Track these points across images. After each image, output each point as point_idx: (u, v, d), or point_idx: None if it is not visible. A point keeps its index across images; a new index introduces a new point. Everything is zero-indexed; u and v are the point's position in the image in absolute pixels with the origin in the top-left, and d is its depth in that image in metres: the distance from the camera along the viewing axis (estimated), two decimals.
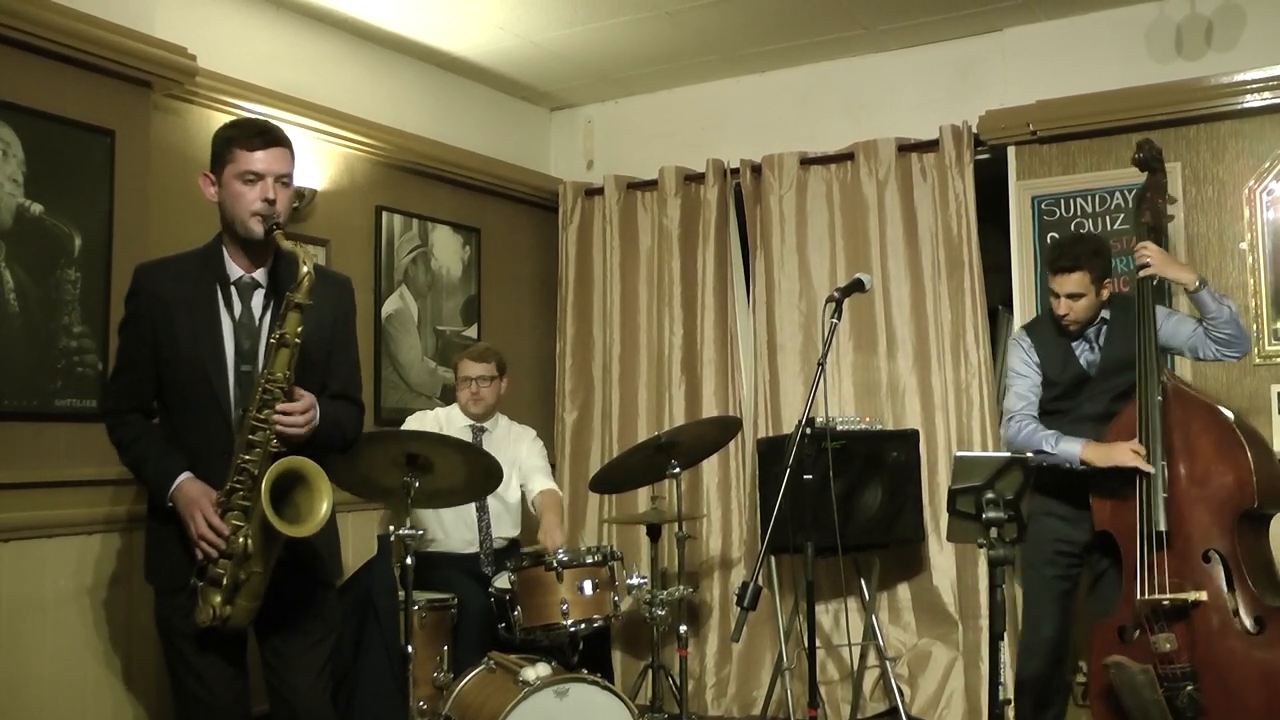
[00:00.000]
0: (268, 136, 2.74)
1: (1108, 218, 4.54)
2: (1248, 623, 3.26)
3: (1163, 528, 3.33)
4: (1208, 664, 3.27)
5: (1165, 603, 3.29)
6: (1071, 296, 3.62)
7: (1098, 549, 3.64)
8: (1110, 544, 3.53)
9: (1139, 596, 3.34)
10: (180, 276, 2.79)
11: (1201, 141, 4.43)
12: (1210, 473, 3.37)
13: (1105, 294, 3.67)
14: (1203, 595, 3.28)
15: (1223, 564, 3.31)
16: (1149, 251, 3.58)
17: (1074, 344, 3.72)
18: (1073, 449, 3.53)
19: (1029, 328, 3.92)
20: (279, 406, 2.63)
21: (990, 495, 2.88)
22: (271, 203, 2.70)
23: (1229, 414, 3.44)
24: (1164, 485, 3.36)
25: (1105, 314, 3.72)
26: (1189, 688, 3.25)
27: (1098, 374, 3.68)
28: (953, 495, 2.96)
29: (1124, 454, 3.41)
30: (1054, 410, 3.72)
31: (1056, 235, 4.62)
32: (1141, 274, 3.57)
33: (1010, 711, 3.81)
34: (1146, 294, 3.55)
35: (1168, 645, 3.28)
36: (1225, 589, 3.29)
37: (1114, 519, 3.49)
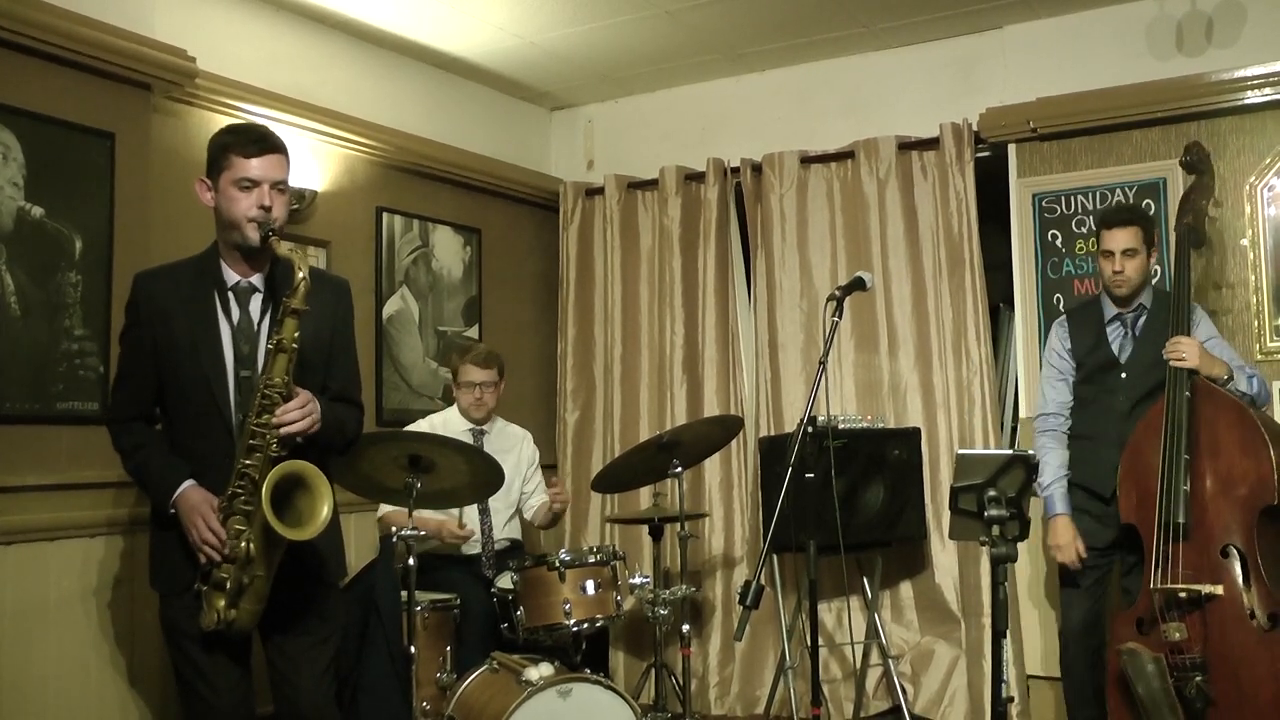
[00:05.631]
0: (264, 143, 2.75)
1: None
2: (1262, 618, 3.27)
3: (1181, 519, 3.34)
4: (1219, 657, 3.28)
5: (1182, 594, 3.30)
6: (1126, 253, 3.65)
7: (1123, 546, 3.65)
8: (1136, 539, 3.54)
9: (1155, 586, 3.35)
10: (178, 284, 2.80)
11: (1202, 138, 4.38)
12: (1233, 469, 3.38)
13: (1153, 263, 3.73)
14: (1219, 589, 3.28)
15: (1240, 559, 3.32)
16: (1185, 349, 3.47)
17: (1110, 327, 3.75)
18: (1052, 506, 3.71)
19: (1069, 311, 4.01)
20: (277, 411, 2.63)
21: (992, 493, 2.88)
22: (268, 209, 2.71)
23: (1256, 413, 3.45)
24: (1185, 478, 3.36)
25: (1146, 301, 3.74)
26: (1198, 678, 3.26)
27: (1128, 362, 3.69)
28: (954, 493, 2.96)
29: (1060, 539, 3.66)
30: (1082, 397, 3.78)
31: (1057, 233, 4.63)
32: (1173, 364, 3.47)
33: (1013, 709, 3.82)
34: (1184, 296, 3.58)
35: (1177, 634, 3.30)
36: (1241, 584, 3.30)
37: (1139, 511, 3.50)
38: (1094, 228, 3.80)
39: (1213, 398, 3.47)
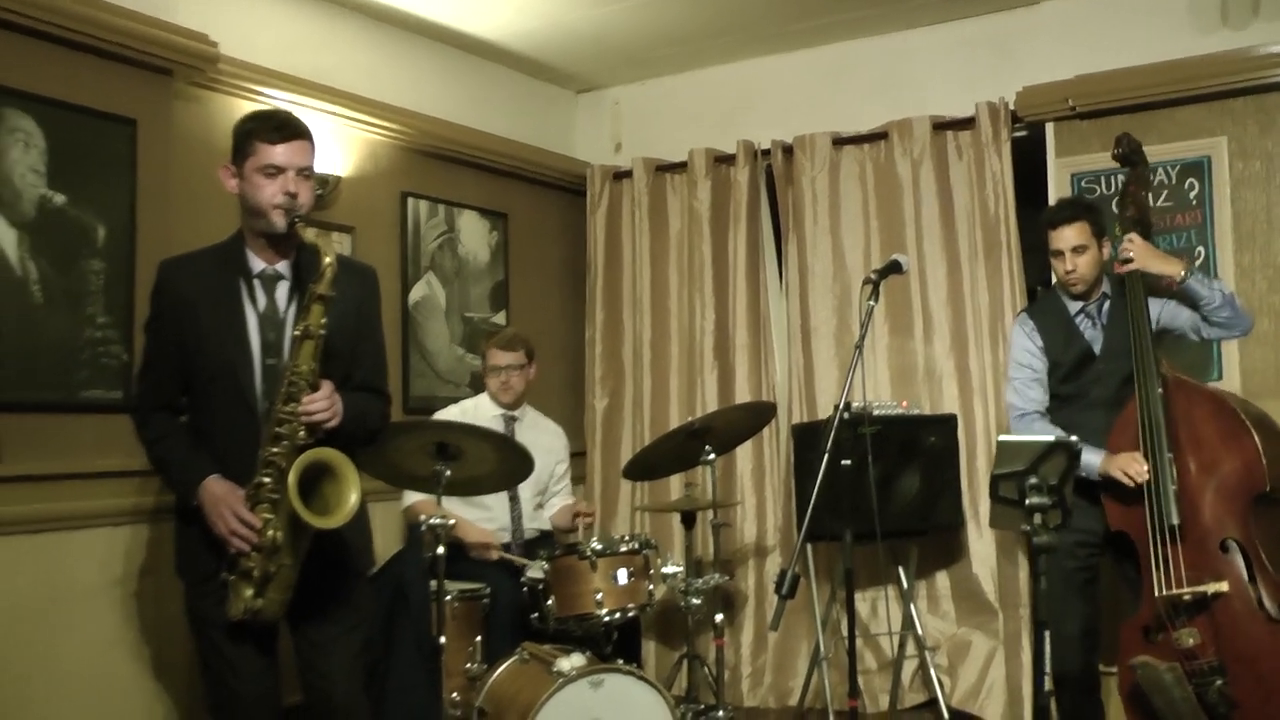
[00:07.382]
0: (288, 130, 2.73)
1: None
2: (1272, 609, 3.19)
3: (1175, 521, 3.27)
4: (1236, 655, 3.20)
5: (1186, 597, 3.22)
6: (1076, 250, 3.60)
7: (1114, 546, 3.57)
8: (1127, 544, 3.46)
9: (1158, 593, 3.27)
10: (203, 272, 2.79)
11: (1248, 115, 4.30)
12: (1219, 461, 3.31)
13: (1105, 253, 3.65)
14: (1223, 586, 3.21)
15: (1241, 552, 3.25)
16: (1132, 246, 3.52)
17: (1077, 319, 3.67)
18: (1093, 461, 3.46)
19: (1030, 309, 3.89)
20: (303, 399, 2.60)
21: (1033, 480, 2.79)
22: (293, 196, 2.70)
23: (1231, 399, 3.38)
24: (1173, 478, 3.30)
25: (1106, 289, 3.68)
26: (1218, 682, 3.19)
27: (1103, 353, 3.62)
28: (995, 480, 2.88)
29: (1123, 464, 3.39)
30: (1063, 394, 3.67)
31: None
32: (1124, 269, 3.52)
33: (1054, 703, 3.74)
34: (1137, 287, 3.50)
35: (1190, 640, 3.22)
36: (1246, 577, 3.23)
37: (1127, 518, 3.43)
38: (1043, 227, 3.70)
39: (1185, 391, 3.40)
